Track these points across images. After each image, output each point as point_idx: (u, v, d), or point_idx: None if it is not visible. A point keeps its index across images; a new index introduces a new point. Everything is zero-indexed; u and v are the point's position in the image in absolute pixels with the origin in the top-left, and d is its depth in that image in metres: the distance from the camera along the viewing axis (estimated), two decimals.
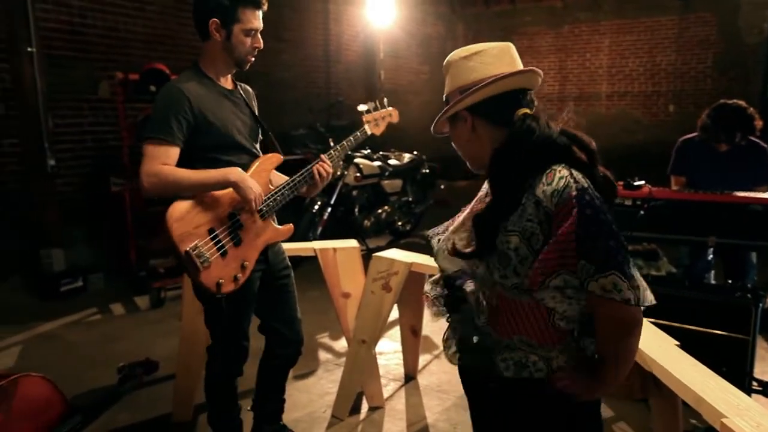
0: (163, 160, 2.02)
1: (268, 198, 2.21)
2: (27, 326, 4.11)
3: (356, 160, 6.00)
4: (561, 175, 1.29)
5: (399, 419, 2.94)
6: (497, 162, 1.38)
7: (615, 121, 9.58)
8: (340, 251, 3.21)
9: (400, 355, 3.46)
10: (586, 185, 1.28)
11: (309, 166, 2.32)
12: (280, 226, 2.33)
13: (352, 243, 3.29)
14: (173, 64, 5.26)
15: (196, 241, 1.99)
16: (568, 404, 1.34)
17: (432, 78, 10.54)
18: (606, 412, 3.02)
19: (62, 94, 5.25)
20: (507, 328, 1.35)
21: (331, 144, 6.02)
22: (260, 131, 2.38)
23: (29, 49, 4.66)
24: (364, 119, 2.66)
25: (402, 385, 3.29)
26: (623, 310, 1.22)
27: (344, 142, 2.54)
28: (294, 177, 2.31)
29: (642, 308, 1.24)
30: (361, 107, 2.70)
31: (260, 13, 2.14)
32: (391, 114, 2.70)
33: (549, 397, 1.34)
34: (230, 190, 2.11)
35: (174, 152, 2.04)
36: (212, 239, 2.05)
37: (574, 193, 1.25)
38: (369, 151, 6.39)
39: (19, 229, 4.93)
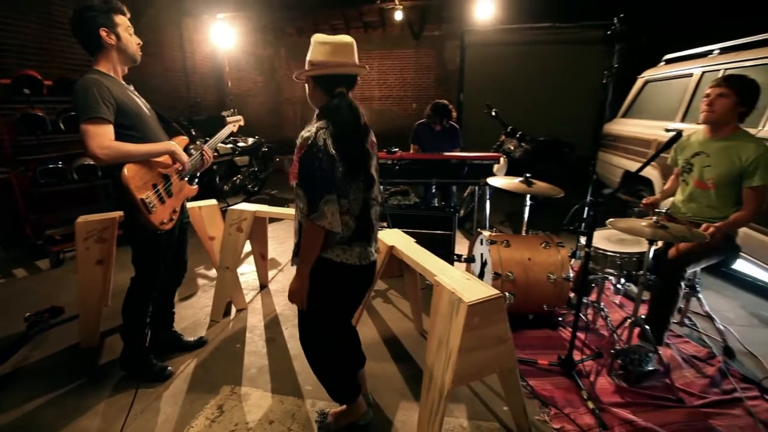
0: (108, 136, 1.65)
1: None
2: None
3: None
4: (312, 128, 1.34)
5: (258, 314, 2.85)
6: (320, 112, 1.40)
7: (383, 114, 9.93)
8: (204, 208, 2.93)
9: (255, 273, 3.33)
10: (320, 142, 1.31)
11: (199, 152, 2.11)
12: (191, 186, 2.11)
13: (213, 202, 3.01)
14: (44, 71, 4.10)
15: (147, 193, 1.74)
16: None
17: (265, 86, 9.64)
18: (381, 285, 3.27)
19: None
20: None
21: (193, 133, 5.32)
22: (159, 119, 2.05)
23: None
24: (228, 121, 2.46)
25: (258, 292, 3.18)
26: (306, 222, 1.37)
27: (217, 136, 2.33)
28: (194, 156, 2.07)
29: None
30: (224, 113, 2.49)
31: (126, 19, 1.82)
32: (241, 120, 2.59)
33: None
34: (163, 158, 1.86)
35: (111, 129, 1.69)
36: (155, 192, 1.79)
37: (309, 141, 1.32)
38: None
39: None
